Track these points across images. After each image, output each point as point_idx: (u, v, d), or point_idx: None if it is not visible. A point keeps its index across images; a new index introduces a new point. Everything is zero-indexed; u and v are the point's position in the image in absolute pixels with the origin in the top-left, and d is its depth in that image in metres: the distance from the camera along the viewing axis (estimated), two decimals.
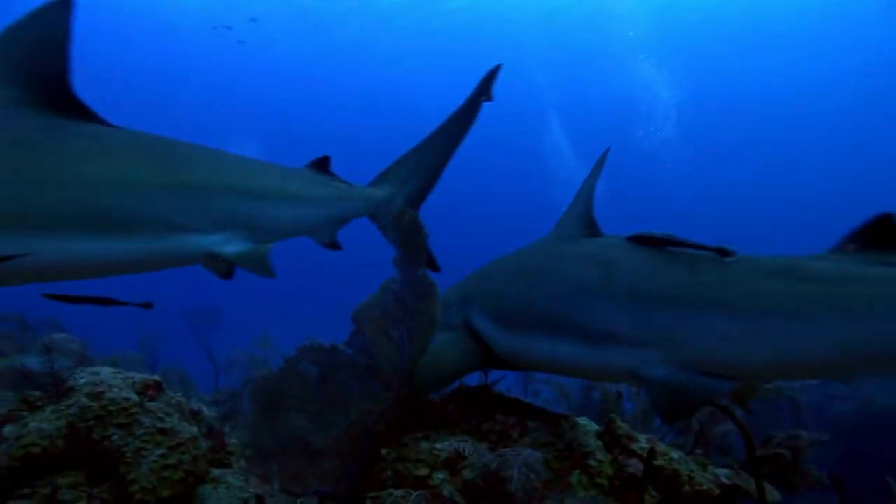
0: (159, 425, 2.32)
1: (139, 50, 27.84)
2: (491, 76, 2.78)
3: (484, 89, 2.76)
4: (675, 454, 2.06)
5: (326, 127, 32.06)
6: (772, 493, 2.34)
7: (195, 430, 2.49)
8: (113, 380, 2.44)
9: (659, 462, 2.01)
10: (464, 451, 1.92)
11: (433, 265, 2.57)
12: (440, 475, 1.90)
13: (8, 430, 2.36)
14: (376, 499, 1.92)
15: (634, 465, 1.99)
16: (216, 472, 2.57)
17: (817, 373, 2.08)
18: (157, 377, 2.71)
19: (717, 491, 1.98)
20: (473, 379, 3.31)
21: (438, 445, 1.97)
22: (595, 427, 2.38)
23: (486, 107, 2.82)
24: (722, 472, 2.42)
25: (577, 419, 2.42)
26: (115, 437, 2.22)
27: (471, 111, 2.77)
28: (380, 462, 1.99)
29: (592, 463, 1.98)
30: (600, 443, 2.18)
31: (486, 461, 1.86)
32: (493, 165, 33.60)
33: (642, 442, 2.08)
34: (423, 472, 1.90)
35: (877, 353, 1.62)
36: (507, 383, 3.48)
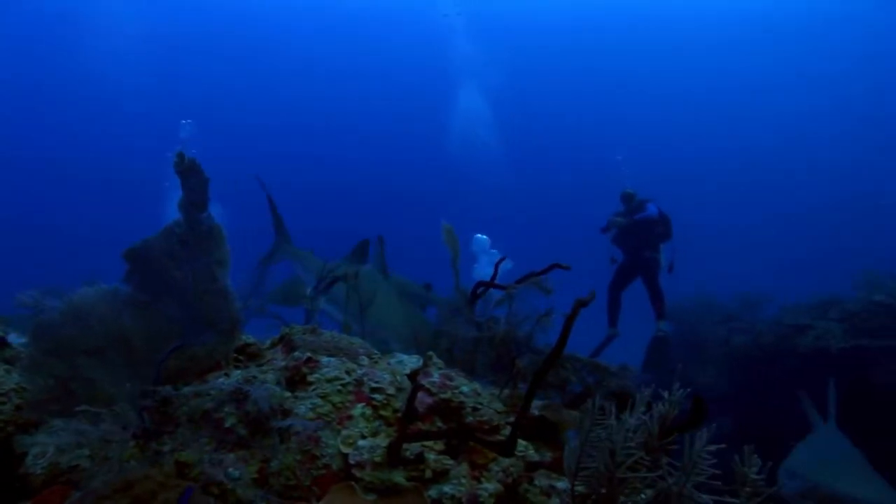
0: None
1: None
2: None
3: None
4: (466, 388, 2.14)
5: None
6: (574, 416, 2.44)
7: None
8: None
9: (447, 395, 2.09)
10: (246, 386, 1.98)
11: None
12: (226, 409, 1.97)
13: None
14: (171, 433, 2.01)
15: (421, 399, 2.06)
16: (59, 421, 2.61)
17: None
18: None
19: (499, 422, 2.07)
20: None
21: (227, 383, 2.04)
22: (414, 364, 2.46)
23: None
24: (535, 403, 2.53)
25: (393, 355, 2.49)
26: None
27: None
28: (177, 399, 2.05)
29: (378, 397, 2.05)
30: (402, 378, 2.26)
31: (265, 394, 1.93)
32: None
33: (434, 377, 2.15)
34: (209, 405, 1.96)
35: None
36: None
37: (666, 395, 1.61)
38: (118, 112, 29.71)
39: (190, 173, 1.93)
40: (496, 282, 3.14)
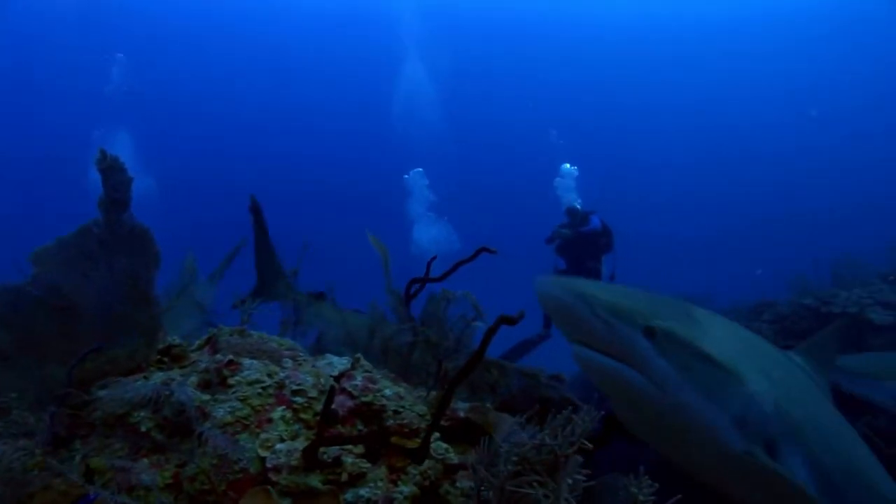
0: None
1: None
2: None
3: None
4: (389, 391, 2.16)
5: None
6: (502, 419, 2.50)
7: None
8: None
9: (368, 398, 2.11)
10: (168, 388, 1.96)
11: None
12: (141, 413, 1.94)
13: None
14: (84, 439, 1.97)
15: (340, 401, 2.08)
16: None
17: None
18: None
19: (419, 425, 2.10)
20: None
21: (143, 386, 2.00)
22: (343, 366, 2.47)
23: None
24: (462, 406, 2.57)
25: (324, 357, 2.50)
26: None
27: None
28: (92, 403, 2.01)
29: (300, 400, 2.05)
30: (327, 381, 2.27)
31: (183, 399, 1.91)
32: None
33: (357, 380, 2.17)
34: (124, 409, 1.93)
35: None
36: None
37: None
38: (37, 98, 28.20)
39: (111, 171, 1.89)
40: (432, 282, 3.17)
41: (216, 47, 31.50)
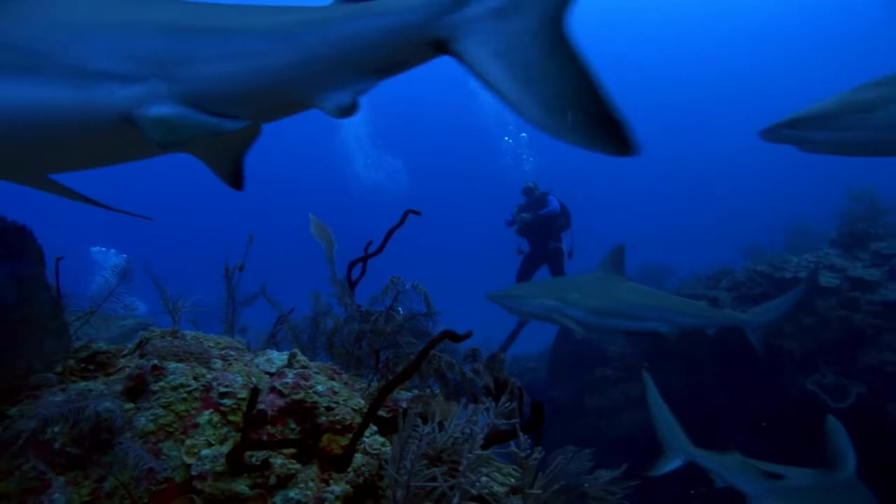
0: None
1: None
2: None
3: None
4: (321, 387, 2.10)
5: None
6: (442, 407, 2.47)
7: None
8: None
9: (300, 396, 2.05)
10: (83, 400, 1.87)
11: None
12: (55, 428, 1.85)
13: None
14: None
15: (269, 401, 2.01)
16: None
17: None
18: None
19: (353, 420, 2.05)
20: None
21: (59, 399, 1.91)
22: (283, 361, 2.39)
23: None
24: (405, 395, 2.53)
25: (263, 353, 2.42)
26: None
27: None
28: (3, 420, 1.91)
29: (228, 402, 1.98)
30: (261, 379, 2.20)
31: (100, 410, 1.82)
32: None
33: (288, 377, 2.11)
34: (34, 426, 1.83)
35: None
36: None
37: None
38: None
39: None
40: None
41: None
